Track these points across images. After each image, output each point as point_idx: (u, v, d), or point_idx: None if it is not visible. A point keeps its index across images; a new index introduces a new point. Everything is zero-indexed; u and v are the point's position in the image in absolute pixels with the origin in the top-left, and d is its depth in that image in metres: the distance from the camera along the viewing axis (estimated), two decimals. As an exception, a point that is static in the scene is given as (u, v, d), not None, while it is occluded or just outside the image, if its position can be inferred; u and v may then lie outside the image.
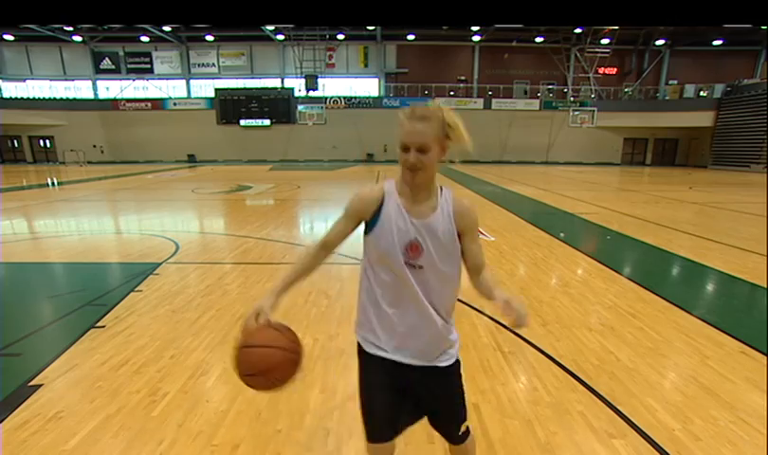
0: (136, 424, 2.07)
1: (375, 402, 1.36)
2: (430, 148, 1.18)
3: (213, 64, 30.89)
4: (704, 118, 27.77)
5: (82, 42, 29.52)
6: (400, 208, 1.24)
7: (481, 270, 1.33)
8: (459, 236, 1.29)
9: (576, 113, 28.52)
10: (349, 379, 2.46)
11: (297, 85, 28.96)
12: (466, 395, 1.44)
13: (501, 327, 3.17)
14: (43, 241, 6.07)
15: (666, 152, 30.67)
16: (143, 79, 30.98)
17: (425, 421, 1.45)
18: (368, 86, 30.95)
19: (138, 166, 25.31)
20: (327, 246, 1.33)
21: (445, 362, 1.34)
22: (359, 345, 1.38)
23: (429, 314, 1.29)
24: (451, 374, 1.37)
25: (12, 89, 30.48)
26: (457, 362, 1.38)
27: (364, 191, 1.28)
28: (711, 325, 3.21)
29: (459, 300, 3.68)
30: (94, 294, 3.83)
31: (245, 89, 30.03)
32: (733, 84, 27.29)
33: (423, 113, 1.17)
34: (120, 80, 30.94)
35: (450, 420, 1.43)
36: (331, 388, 2.39)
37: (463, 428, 1.43)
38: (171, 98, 30.60)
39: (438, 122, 1.18)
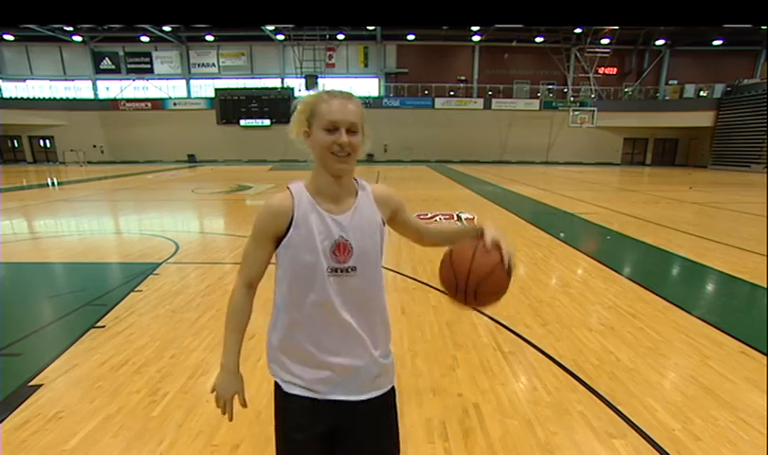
0: (136, 424, 2.07)
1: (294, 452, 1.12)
2: (359, 130, 1.07)
3: (213, 64, 30.90)
4: (703, 118, 27.77)
5: (82, 42, 29.53)
6: (316, 207, 1.06)
7: (424, 230, 1.28)
8: (390, 220, 1.20)
9: (576, 113, 28.51)
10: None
11: (297, 85, 28.94)
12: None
13: (501, 327, 3.17)
14: (43, 241, 6.07)
15: (666, 152, 30.67)
16: (143, 79, 30.98)
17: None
18: (368, 86, 30.95)
19: (138, 166, 25.31)
20: (252, 285, 1.16)
21: (379, 391, 1.14)
22: (276, 385, 1.17)
23: (359, 339, 1.09)
24: (385, 405, 1.17)
25: (12, 89, 30.48)
26: (389, 395, 1.18)
27: (270, 202, 1.08)
28: (711, 325, 3.20)
29: (459, 300, 3.69)
30: (94, 294, 3.83)
31: (245, 89, 30.03)
32: (733, 84, 27.29)
33: (348, 93, 1.08)
34: (120, 80, 30.94)
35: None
36: (331, 388, 2.39)
37: None
38: (171, 98, 30.60)
39: (361, 106, 1.10)
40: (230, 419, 1.20)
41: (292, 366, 1.12)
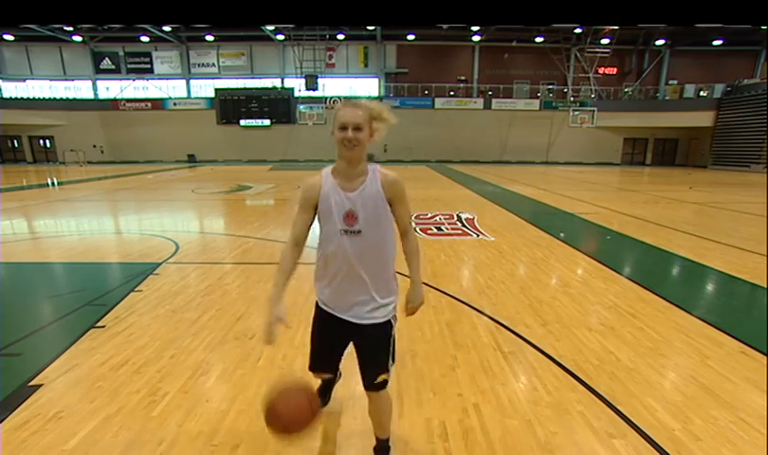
0: (136, 424, 2.07)
1: (317, 343, 1.78)
2: (363, 128, 1.47)
3: (213, 64, 30.89)
4: (703, 118, 27.77)
5: (82, 42, 29.52)
6: (336, 186, 1.53)
7: (406, 233, 1.67)
8: (390, 203, 1.57)
9: (576, 113, 28.51)
10: (348, 379, 2.47)
11: (297, 85, 28.95)
12: (395, 353, 1.70)
13: (501, 327, 3.17)
14: (43, 241, 6.07)
15: (666, 152, 30.67)
16: (143, 79, 30.98)
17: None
18: (368, 86, 30.95)
19: (138, 166, 25.32)
20: (298, 242, 1.61)
21: (374, 321, 1.62)
22: (316, 302, 1.74)
23: (362, 281, 1.58)
24: (380, 331, 1.64)
25: (12, 89, 30.48)
26: (387, 323, 1.66)
27: (306, 182, 1.59)
28: (711, 325, 3.21)
29: (459, 300, 3.69)
30: (94, 294, 3.83)
31: (245, 89, 30.03)
32: (733, 84, 27.29)
33: (356, 102, 1.49)
34: (120, 80, 30.94)
35: (368, 366, 1.68)
36: (331, 388, 2.39)
37: (380, 379, 1.65)
38: (171, 98, 30.60)
39: (367, 111, 1.48)
40: (271, 343, 1.58)
41: (320, 290, 1.69)
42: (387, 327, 1.65)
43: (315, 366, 1.82)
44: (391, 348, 1.67)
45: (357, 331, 1.63)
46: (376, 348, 1.65)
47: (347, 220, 1.52)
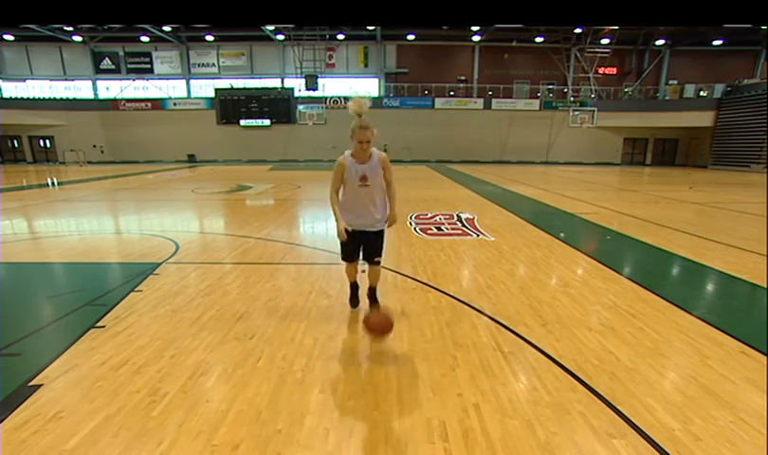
0: (136, 424, 2.07)
1: (346, 246, 3.08)
2: (371, 140, 2.88)
3: (213, 64, 30.91)
4: (703, 118, 27.78)
5: (82, 42, 29.54)
6: (354, 163, 2.96)
7: (389, 183, 3.08)
8: (383, 170, 3.00)
9: (576, 113, 28.52)
10: (349, 379, 2.47)
11: (297, 85, 28.96)
12: (386, 250, 3.37)
13: (501, 327, 3.17)
14: (43, 241, 6.07)
15: (666, 152, 30.67)
16: (143, 79, 30.99)
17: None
18: (368, 86, 30.96)
19: (138, 166, 25.31)
20: (337, 191, 3.04)
21: (375, 229, 3.10)
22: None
23: (369, 209, 3.03)
24: (378, 234, 3.12)
25: (12, 89, 30.49)
26: (381, 230, 3.13)
27: (338, 161, 2.98)
28: (711, 325, 3.20)
29: (459, 300, 3.70)
30: (94, 294, 3.83)
31: (245, 89, 30.03)
32: (733, 84, 27.30)
33: (367, 125, 2.84)
34: (120, 80, 30.96)
35: (372, 252, 3.15)
36: (331, 388, 2.39)
37: (376, 259, 3.17)
38: (171, 98, 30.61)
39: (372, 131, 2.88)
40: (343, 237, 2.96)
41: (346, 218, 3.02)
42: (382, 233, 3.14)
43: (346, 257, 3.22)
44: (383, 243, 3.17)
45: (366, 235, 3.08)
46: (376, 243, 3.12)
47: (361, 180, 2.95)
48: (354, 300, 3.51)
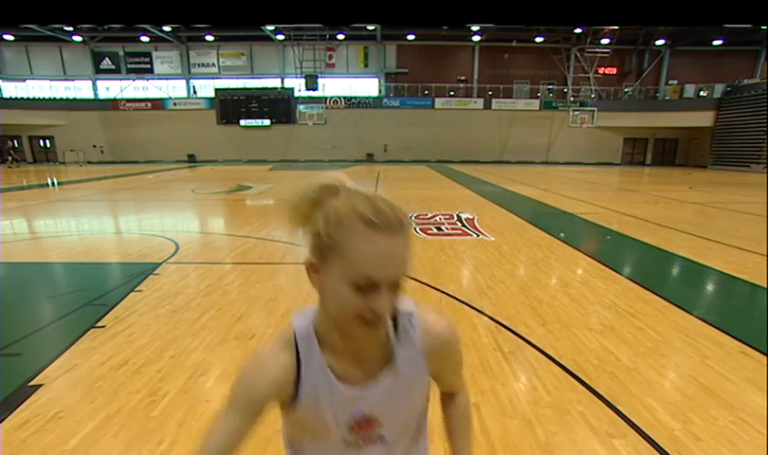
0: (136, 424, 2.07)
1: None
2: (402, 283, 0.66)
3: (213, 64, 30.88)
4: (703, 118, 27.76)
5: (82, 42, 29.51)
6: (330, 376, 0.73)
7: (454, 396, 0.95)
8: (434, 376, 0.83)
9: (576, 113, 28.50)
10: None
11: (297, 85, 28.95)
12: None
13: (501, 327, 3.17)
14: (43, 241, 6.07)
15: (666, 152, 30.66)
16: (143, 79, 30.97)
17: None
18: (368, 86, 30.94)
19: (138, 166, 25.30)
20: None
21: None
22: None
23: None
24: None
25: (12, 89, 30.47)
26: None
27: (259, 364, 0.73)
28: (711, 325, 3.20)
29: (459, 300, 3.69)
30: (94, 294, 3.83)
31: (245, 89, 30.03)
32: (733, 84, 27.27)
33: (399, 217, 0.65)
34: (120, 80, 30.93)
35: None
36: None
37: None
38: (171, 98, 30.60)
39: (409, 236, 0.67)
40: None
41: None
42: None
43: None
44: None
45: None
46: None
47: (359, 429, 0.78)
48: None
